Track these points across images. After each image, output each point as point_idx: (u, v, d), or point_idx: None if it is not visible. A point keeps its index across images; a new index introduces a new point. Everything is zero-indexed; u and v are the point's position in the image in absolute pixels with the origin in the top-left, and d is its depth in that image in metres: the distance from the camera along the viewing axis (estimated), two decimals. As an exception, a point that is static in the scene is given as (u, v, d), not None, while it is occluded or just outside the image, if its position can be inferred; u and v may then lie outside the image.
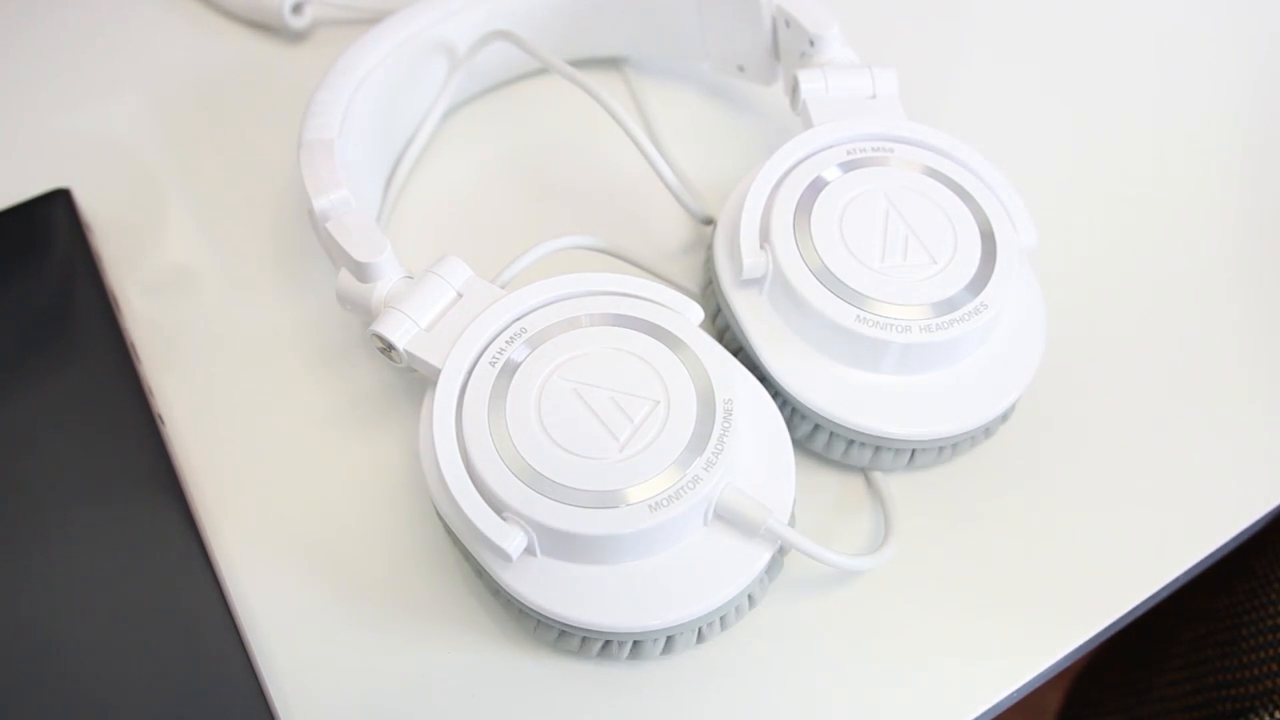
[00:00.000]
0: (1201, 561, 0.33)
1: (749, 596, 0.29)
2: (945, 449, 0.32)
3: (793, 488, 0.29)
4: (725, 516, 0.28)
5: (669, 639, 0.29)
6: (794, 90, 0.35)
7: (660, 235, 0.39)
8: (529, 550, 0.28)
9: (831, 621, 0.31)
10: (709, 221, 0.37)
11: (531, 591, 0.28)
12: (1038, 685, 0.31)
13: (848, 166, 0.33)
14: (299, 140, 0.33)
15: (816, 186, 0.32)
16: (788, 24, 0.36)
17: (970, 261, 0.31)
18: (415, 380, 0.35)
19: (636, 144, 0.35)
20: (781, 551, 0.30)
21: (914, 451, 0.32)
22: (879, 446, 0.32)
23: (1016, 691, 0.30)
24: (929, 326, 0.30)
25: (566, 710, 0.30)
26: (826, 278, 0.31)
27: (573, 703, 0.30)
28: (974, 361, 0.32)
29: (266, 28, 0.44)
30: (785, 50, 0.38)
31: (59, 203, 0.38)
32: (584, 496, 0.27)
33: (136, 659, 0.29)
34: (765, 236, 0.32)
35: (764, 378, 0.32)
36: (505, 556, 0.27)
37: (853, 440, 0.32)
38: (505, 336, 0.29)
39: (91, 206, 0.39)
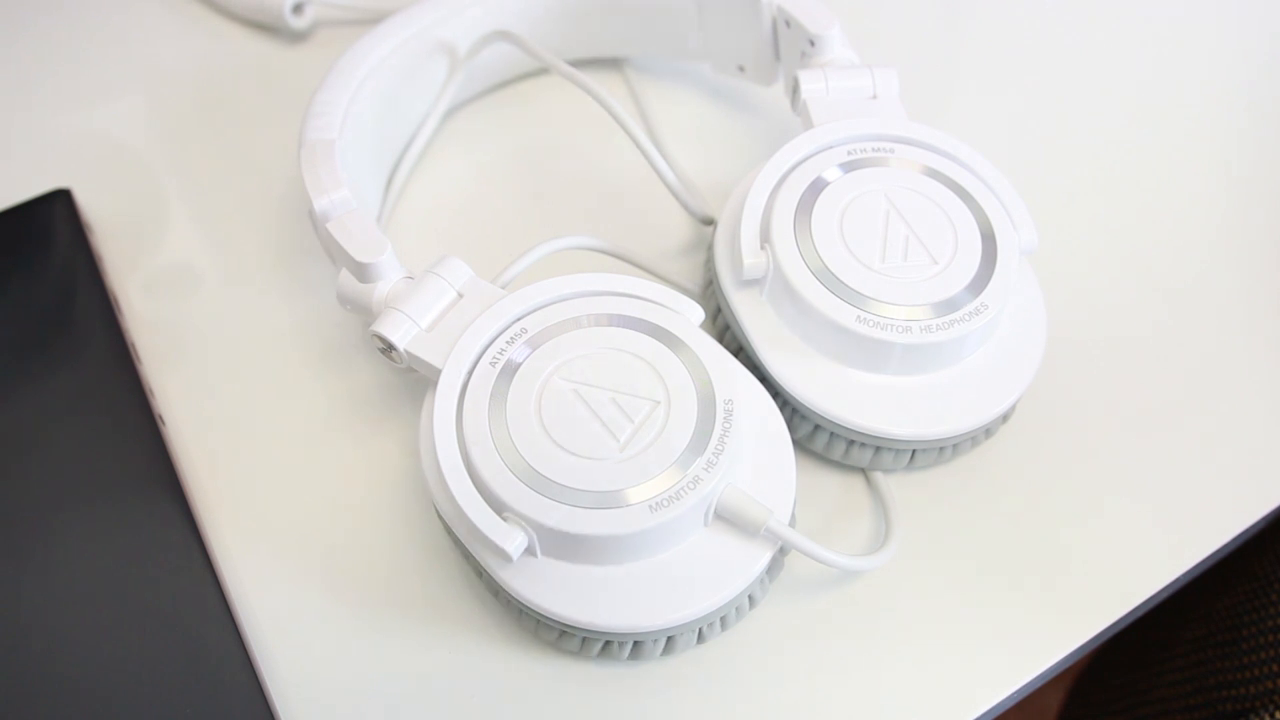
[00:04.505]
0: (1202, 562, 0.33)
1: (749, 597, 0.29)
2: (945, 449, 0.32)
3: (793, 488, 0.29)
4: (726, 517, 0.28)
5: (669, 639, 0.29)
6: (794, 90, 0.35)
7: (660, 235, 0.39)
8: (529, 550, 0.28)
9: (832, 622, 0.31)
10: (709, 222, 0.37)
11: (532, 592, 0.28)
12: (1038, 685, 0.31)
13: (848, 167, 0.33)
14: (299, 140, 0.33)
15: (817, 187, 0.32)
16: (788, 24, 0.36)
17: (971, 262, 0.31)
18: (416, 380, 0.35)
19: (637, 144, 0.35)
20: (782, 552, 0.30)
21: (914, 452, 0.32)
22: (879, 447, 0.32)
23: (1017, 692, 0.30)
24: (929, 327, 0.30)
25: (567, 710, 0.30)
26: (827, 278, 0.31)
27: (573, 703, 0.30)
28: (974, 362, 0.32)
29: (267, 28, 0.44)
30: (786, 50, 0.38)
31: (59, 203, 0.37)
32: (584, 497, 0.27)
33: (137, 659, 0.29)
34: (766, 237, 0.32)
35: (764, 378, 0.32)
36: (505, 557, 0.27)
37: (853, 441, 0.32)
38: (506, 337, 0.29)
39: (91, 206, 0.39)
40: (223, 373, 0.36)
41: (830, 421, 0.31)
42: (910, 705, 0.30)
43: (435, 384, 0.29)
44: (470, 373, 0.29)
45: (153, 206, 0.40)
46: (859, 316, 0.30)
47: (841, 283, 0.31)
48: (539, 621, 0.29)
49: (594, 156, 0.41)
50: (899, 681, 0.30)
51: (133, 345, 0.35)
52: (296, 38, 0.44)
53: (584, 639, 0.29)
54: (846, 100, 0.35)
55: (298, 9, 0.43)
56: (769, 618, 0.31)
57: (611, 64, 0.43)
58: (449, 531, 0.30)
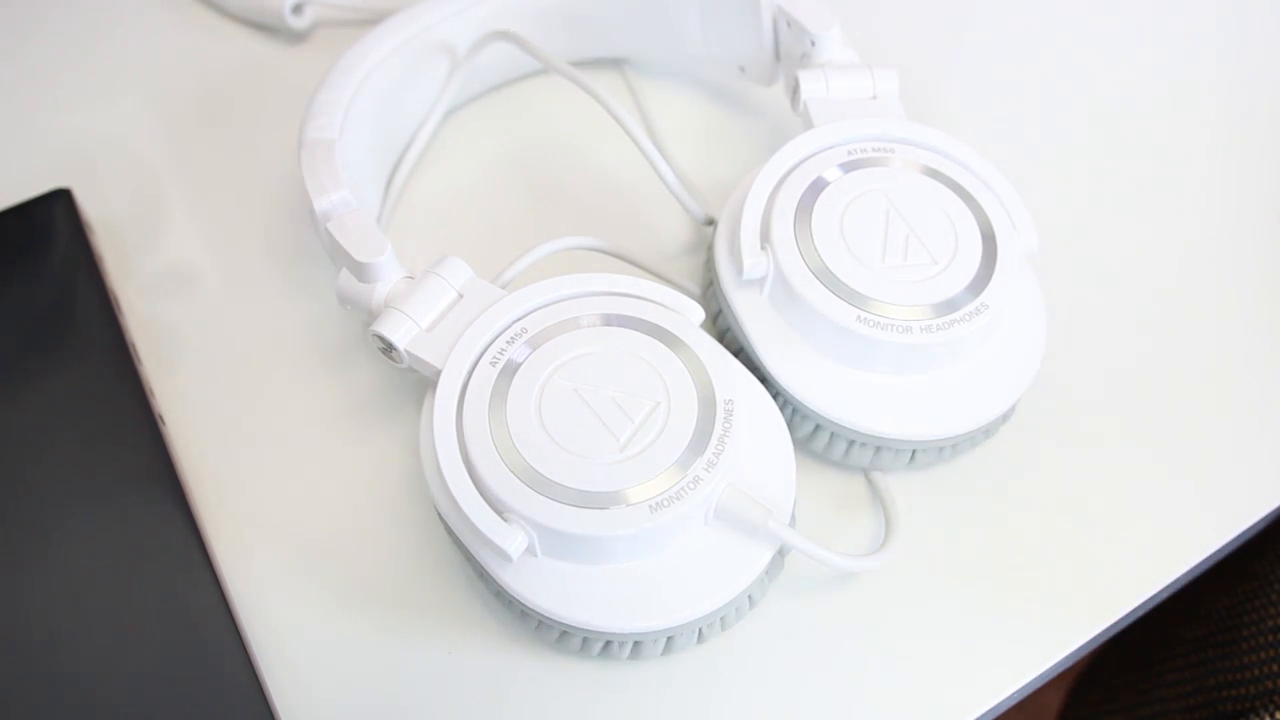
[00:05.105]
0: (1202, 562, 0.33)
1: (749, 597, 0.29)
2: (945, 449, 0.32)
3: (793, 488, 0.29)
4: (726, 517, 0.28)
5: (669, 639, 0.29)
6: (795, 91, 0.35)
7: (661, 236, 0.39)
8: (530, 551, 0.28)
9: (831, 622, 0.31)
10: (710, 222, 0.37)
11: (532, 592, 0.28)
12: (1038, 686, 0.31)
13: (848, 167, 0.33)
14: (300, 140, 0.33)
15: (817, 187, 0.32)
16: (789, 24, 0.36)
17: (971, 262, 0.31)
18: (416, 380, 0.35)
19: (637, 144, 0.35)
20: (782, 552, 0.30)
21: (914, 452, 0.32)
22: (879, 447, 0.32)
23: (1017, 692, 0.30)
24: (929, 327, 0.30)
25: (567, 710, 0.30)
26: (827, 278, 0.31)
27: (573, 703, 0.30)
28: (974, 362, 0.32)
29: (267, 28, 0.44)
30: (786, 51, 0.38)
31: (59, 203, 0.37)
32: (585, 497, 0.27)
33: (136, 659, 0.29)
34: (766, 237, 0.32)
35: (765, 378, 0.32)
36: (506, 557, 0.27)
37: (853, 441, 0.32)
38: (506, 337, 0.29)
39: (91, 206, 0.39)
40: (223, 373, 0.36)
41: (830, 421, 0.31)
42: (910, 705, 0.30)
43: (435, 384, 0.29)
44: (470, 373, 0.29)
45: (153, 206, 0.40)
46: (859, 316, 0.30)
47: (842, 283, 0.30)
48: (540, 622, 0.29)
49: (594, 156, 0.41)
50: (899, 681, 0.30)
51: (133, 345, 0.35)
52: (296, 38, 0.44)
53: (584, 639, 0.29)
54: (846, 100, 0.35)
55: (298, 9, 0.43)
56: (769, 618, 0.31)
57: (611, 64, 0.43)
58: (450, 532, 0.30)
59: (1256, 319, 0.37)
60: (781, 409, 0.31)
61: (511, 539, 0.26)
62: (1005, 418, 0.33)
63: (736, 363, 0.31)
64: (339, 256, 0.31)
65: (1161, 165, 0.41)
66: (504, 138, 0.41)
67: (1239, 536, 0.33)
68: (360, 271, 0.30)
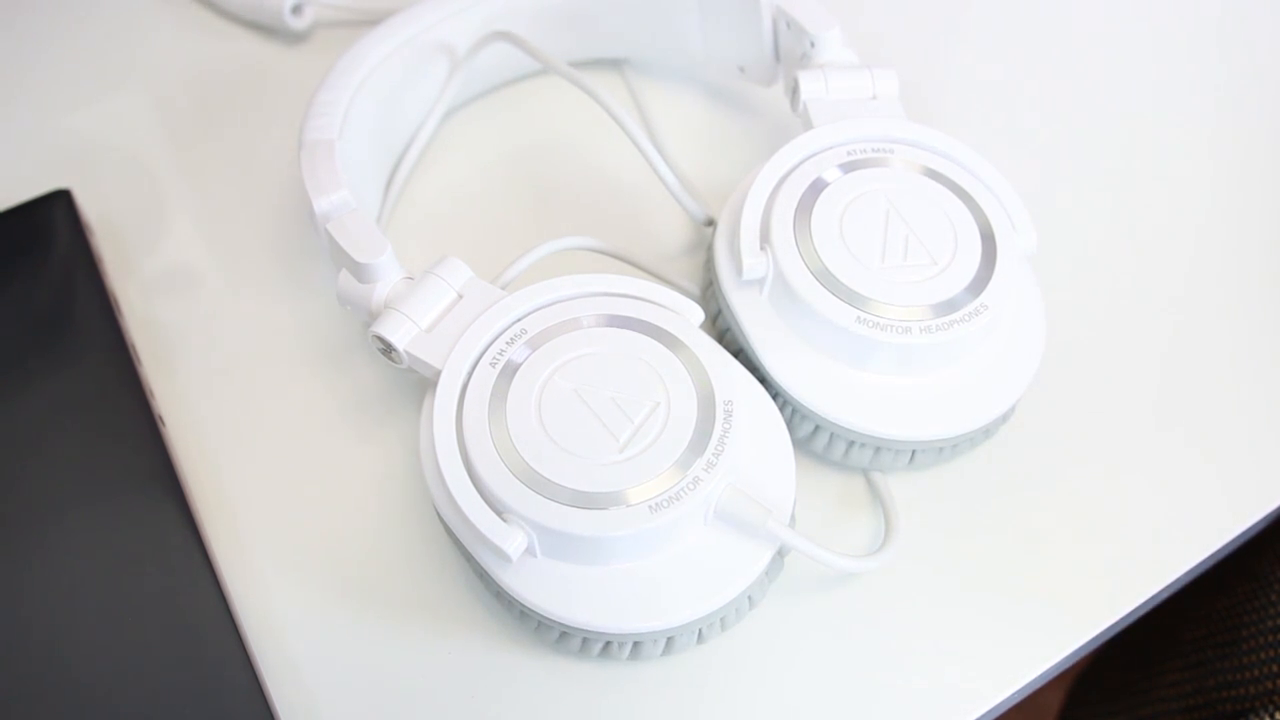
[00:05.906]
0: (1202, 562, 0.33)
1: (749, 597, 0.29)
2: (945, 449, 0.32)
3: (793, 488, 0.29)
4: (726, 517, 0.28)
5: (669, 640, 0.29)
6: (794, 91, 0.35)
7: (661, 236, 0.39)
8: (529, 551, 0.28)
9: (831, 622, 0.31)
10: (709, 223, 0.37)
11: (532, 593, 0.28)
12: (1038, 686, 0.31)
13: (848, 167, 0.33)
14: (299, 141, 0.33)
15: (817, 187, 0.32)
16: (788, 25, 0.36)
17: (970, 262, 0.31)
18: (416, 381, 0.35)
19: (637, 145, 0.35)
20: (781, 552, 0.30)
21: (914, 452, 0.32)
22: (879, 447, 0.32)
23: (1017, 692, 0.30)
24: (929, 328, 0.30)
25: (567, 710, 0.30)
26: (827, 279, 0.31)
27: (573, 703, 0.30)
28: (974, 362, 0.32)
29: (266, 28, 0.44)
30: (786, 51, 0.38)
31: (59, 203, 0.37)
32: (584, 497, 0.27)
33: (136, 659, 0.29)
34: (765, 238, 0.32)
35: (764, 379, 0.32)
36: (505, 557, 0.27)
37: (853, 441, 0.32)
38: (505, 337, 0.29)
39: (91, 206, 0.39)
40: (223, 373, 0.36)
41: (830, 422, 0.31)
42: (910, 705, 0.30)
43: (435, 385, 0.29)
44: (470, 373, 0.29)
45: (153, 206, 0.40)
46: (859, 317, 0.30)
47: (841, 283, 0.31)
48: (540, 622, 0.29)
49: (594, 157, 0.41)
50: (899, 681, 0.30)
51: (133, 345, 0.35)
52: (296, 38, 0.44)
53: (584, 639, 0.29)
54: (846, 101, 0.35)
55: (297, 10, 0.43)
56: (769, 618, 0.31)
57: (611, 64, 0.43)
58: (450, 532, 0.30)
59: (1256, 318, 0.37)
60: (781, 409, 0.31)
61: (511, 539, 0.26)
62: (1005, 418, 0.33)
63: (736, 363, 0.31)
64: (339, 257, 0.31)
65: (1162, 164, 0.41)
66: (504, 138, 0.41)
67: (1239, 536, 0.33)
68: (360, 272, 0.30)
